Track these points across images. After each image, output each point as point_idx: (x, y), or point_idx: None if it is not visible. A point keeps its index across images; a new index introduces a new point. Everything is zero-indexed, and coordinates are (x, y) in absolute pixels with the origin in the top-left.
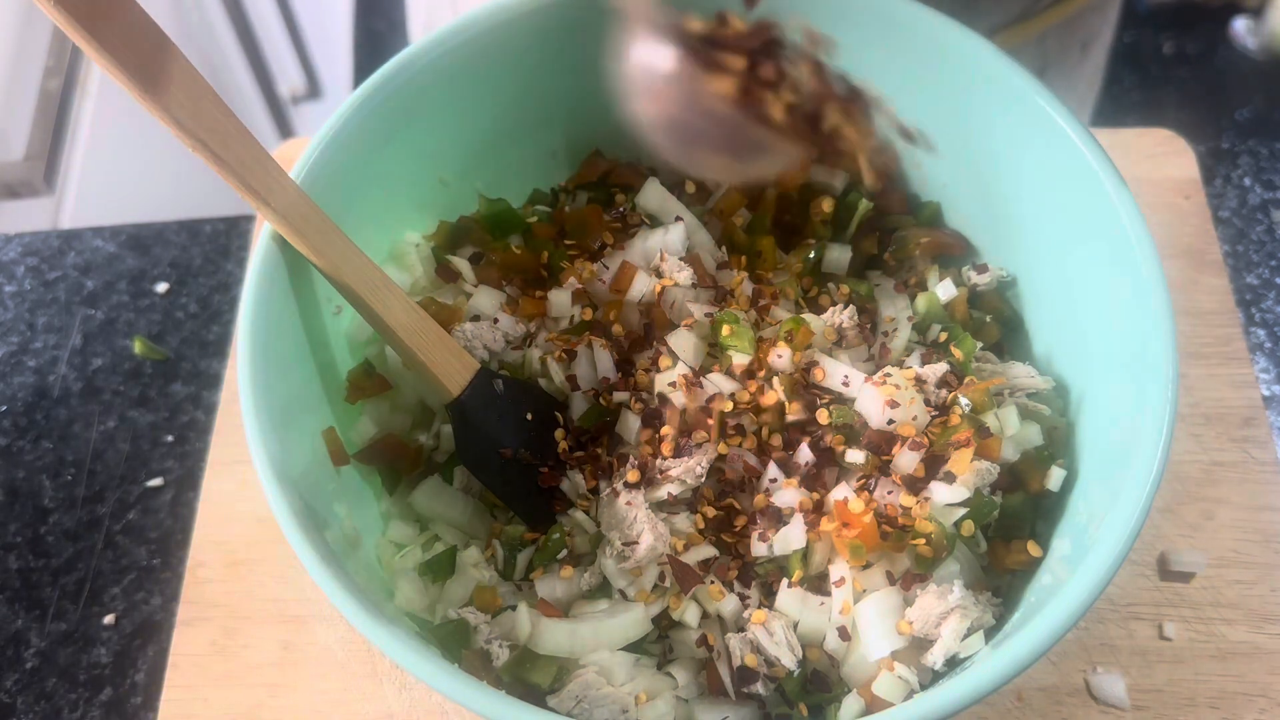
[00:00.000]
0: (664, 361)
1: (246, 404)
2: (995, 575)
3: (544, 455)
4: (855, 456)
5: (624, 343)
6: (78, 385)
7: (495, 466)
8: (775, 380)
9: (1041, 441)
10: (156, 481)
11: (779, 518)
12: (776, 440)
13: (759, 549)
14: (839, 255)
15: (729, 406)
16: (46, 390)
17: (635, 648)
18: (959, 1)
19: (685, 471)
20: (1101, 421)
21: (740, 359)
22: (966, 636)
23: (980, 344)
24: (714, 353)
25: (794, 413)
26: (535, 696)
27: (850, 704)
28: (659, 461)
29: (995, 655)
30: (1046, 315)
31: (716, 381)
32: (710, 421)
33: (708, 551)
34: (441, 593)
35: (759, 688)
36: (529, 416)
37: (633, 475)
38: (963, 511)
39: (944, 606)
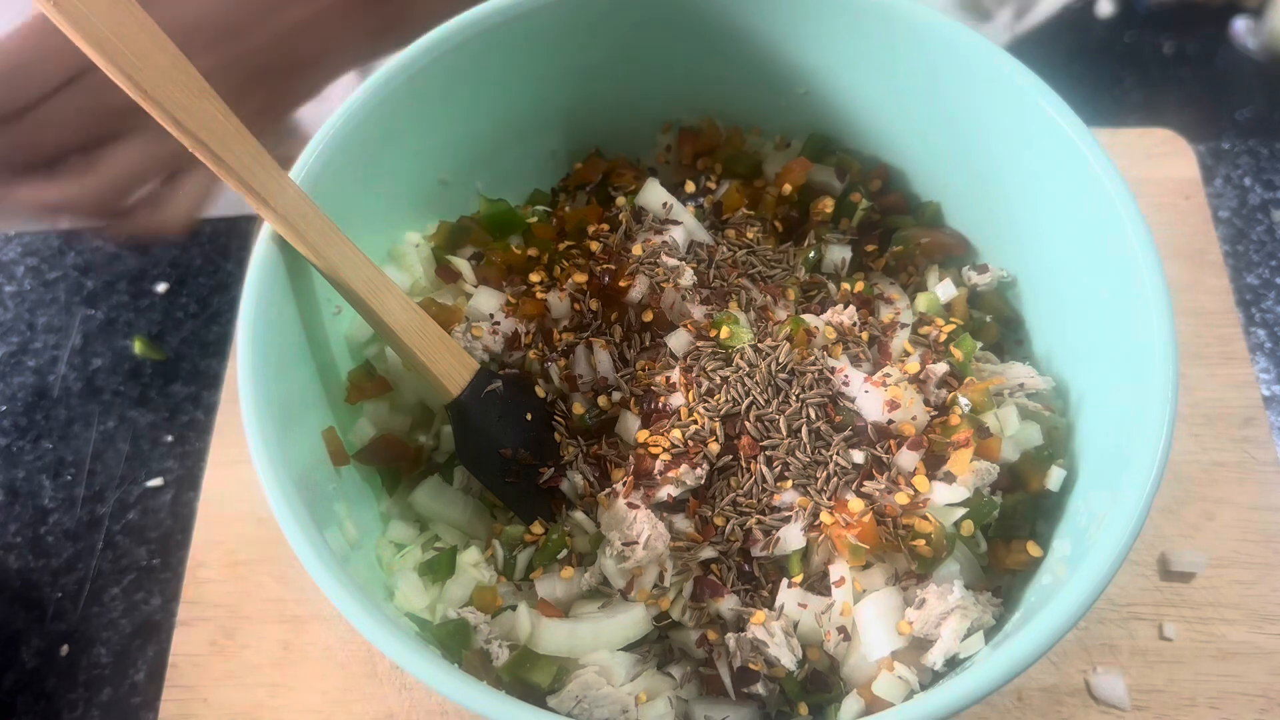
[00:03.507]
0: (663, 363)
1: (246, 404)
2: (995, 575)
3: (544, 455)
4: (855, 456)
5: (624, 343)
6: (78, 385)
7: (495, 466)
8: (775, 380)
9: (1041, 441)
10: (156, 481)
11: (779, 518)
12: (776, 439)
13: (759, 549)
14: (839, 255)
15: (728, 407)
16: (46, 390)
17: (635, 648)
18: None
19: (685, 472)
20: (1101, 421)
21: (740, 359)
22: (966, 636)
23: (980, 344)
24: (714, 353)
25: (794, 413)
26: (535, 696)
27: (850, 704)
28: (658, 462)
29: (995, 655)
30: (1046, 315)
31: (716, 381)
32: (711, 423)
33: (708, 552)
34: (441, 593)
35: (759, 688)
36: (529, 417)
37: (632, 476)
38: (963, 511)
39: (944, 606)
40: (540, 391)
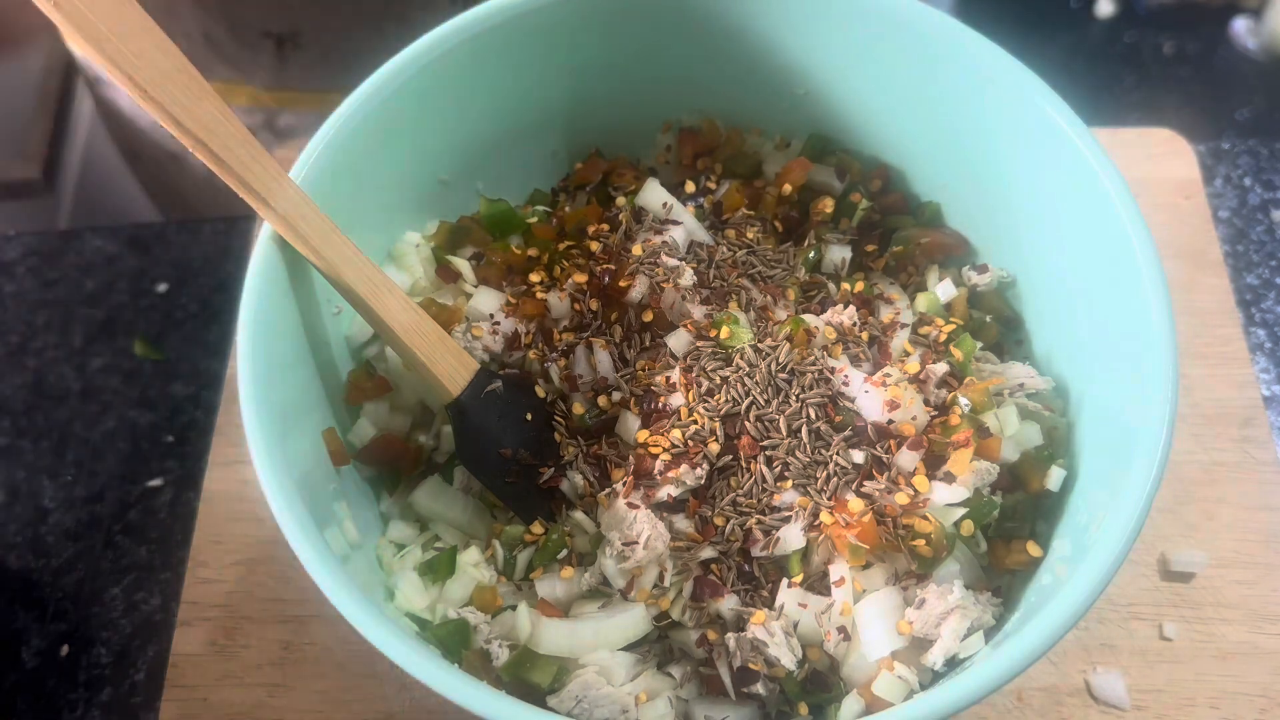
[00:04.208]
0: (663, 363)
1: (246, 404)
2: (995, 575)
3: (544, 455)
4: (855, 456)
5: (624, 343)
6: (78, 385)
7: (495, 466)
8: (775, 380)
9: (1041, 441)
10: (156, 481)
11: (779, 517)
12: (776, 439)
13: (759, 549)
14: (839, 255)
15: (728, 407)
16: (46, 390)
17: (635, 648)
18: None
19: (684, 472)
20: (1101, 422)
21: (740, 360)
22: (966, 636)
23: (980, 344)
24: (714, 353)
25: (794, 413)
26: (535, 696)
27: (850, 704)
28: (658, 462)
29: (995, 655)
30: (1046, 315)
31: (716, 381)
32: (711, 423)
33: (708, 552)
34: (441, 593)
35: (759, 688)
36: (529, 417)
37: (632, 476)
38: (962, 511)
39: (944, 606)
40: (540, 391)
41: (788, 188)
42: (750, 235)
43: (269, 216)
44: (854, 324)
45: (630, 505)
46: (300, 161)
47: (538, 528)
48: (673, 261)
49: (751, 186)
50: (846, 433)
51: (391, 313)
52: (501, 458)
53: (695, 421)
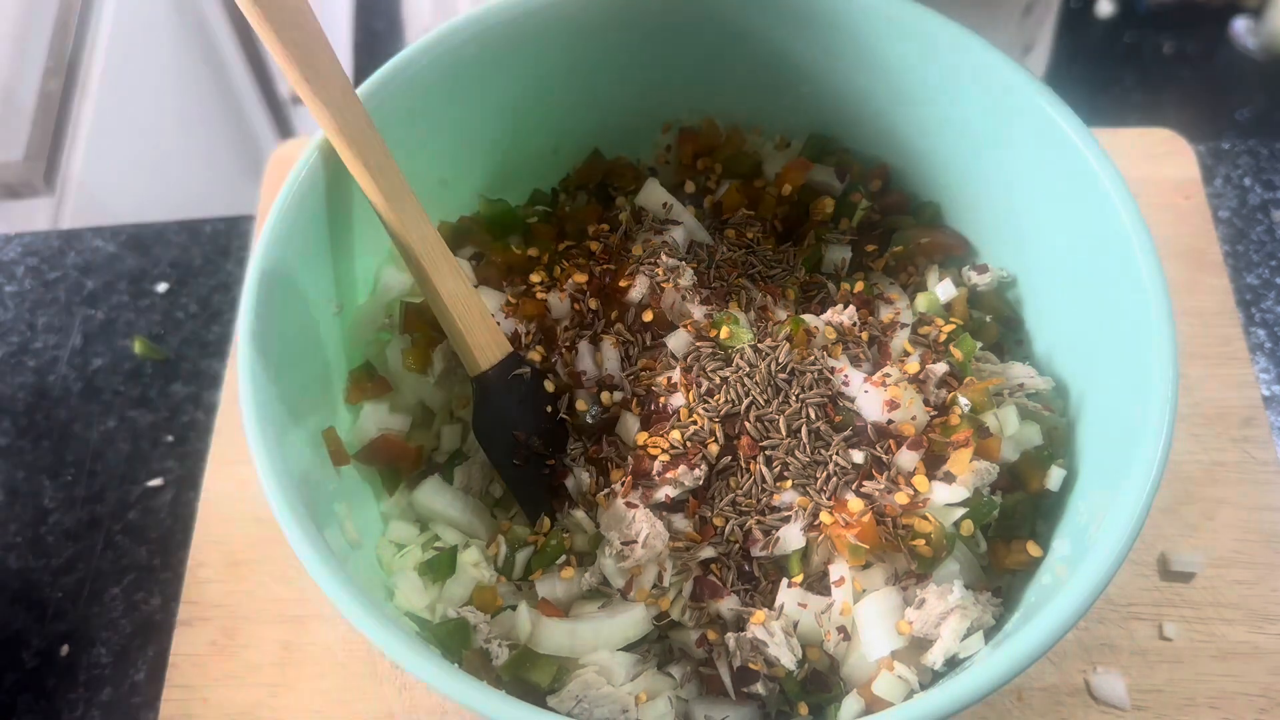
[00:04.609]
0: (664, 363)
1: (246, 404)
2: (995, 575)
3: (553, 449)
4: (855, 456)
5: (624, 344)
6: (78, 385)
7: (505, 446)
8: (775, 380)
9: (1041, 441)
10: (156, 481)
11: (778, 517)
12: (776, 440)
13: (758, 549)
14: (839, 255)
15: (728, 407)
16: (46, 390)
17: (635, 647)
18: None
19: (683, 473)
20: (1101, 421)
21: (739, 360)
22: (966, 636)
23: (980, 344)
24: (714, 353)
25: (793, 413)
26: (535, 696)
27: (850, 704)
28: (656, 463)
29: (995, 655)
30: (1046, 315)
31: (716, 382)
32: (711, 424)
33: (708, 552)
34: (441, 592)
35: (759, 688)
36: (549, 409)
37: (630, 476)
38: (962, 511)
39: (944, 606)
40: (550, 386)
41: (788, 188)
42: (750, 235)
43: (349, 157)
44: (854, 324)
45: (629, 505)
46: (300, 162)
47: (541, 528)
48: (673, 261)
49: (751, 186)
50: (846, 433)
51: (442, 276)
52: (513, 439)
53: (695, 422)
